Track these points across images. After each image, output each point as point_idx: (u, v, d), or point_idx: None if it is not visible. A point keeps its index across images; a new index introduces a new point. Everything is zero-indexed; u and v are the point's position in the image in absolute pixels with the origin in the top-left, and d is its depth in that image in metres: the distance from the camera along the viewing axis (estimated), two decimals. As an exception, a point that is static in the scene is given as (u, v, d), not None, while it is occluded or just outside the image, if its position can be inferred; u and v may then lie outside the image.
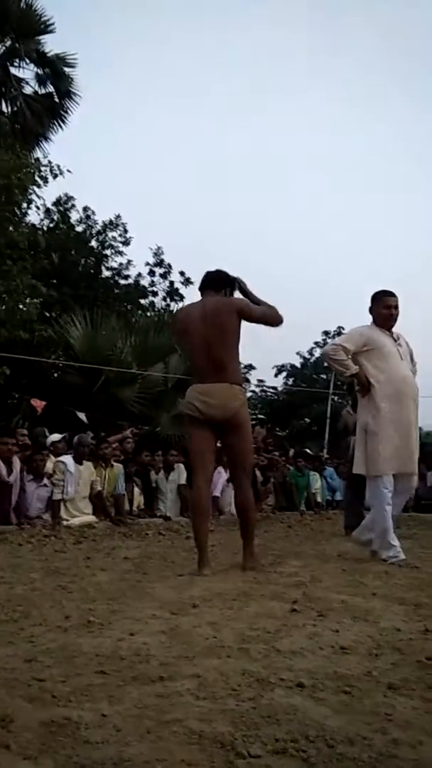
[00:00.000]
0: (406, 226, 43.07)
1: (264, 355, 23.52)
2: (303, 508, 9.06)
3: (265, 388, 21.16)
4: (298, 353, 22.27)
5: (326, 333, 21.87)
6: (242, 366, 16.90)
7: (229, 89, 45.34)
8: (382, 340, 3.92)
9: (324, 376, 19.53)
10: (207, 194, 40.26)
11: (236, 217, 38.38)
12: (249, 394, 18.35)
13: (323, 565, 3.68)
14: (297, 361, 22.29)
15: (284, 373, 22.43)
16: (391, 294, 3.99)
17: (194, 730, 1.28)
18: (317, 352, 21.79)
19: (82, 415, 8.65)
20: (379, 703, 1.45)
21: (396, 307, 3.97)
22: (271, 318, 3.55)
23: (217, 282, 3.59)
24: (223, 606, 2.47)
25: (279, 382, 22.24)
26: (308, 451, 10.68)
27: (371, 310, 4.03)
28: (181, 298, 18.58)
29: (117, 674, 1.63)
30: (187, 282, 19.07)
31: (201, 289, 3.65)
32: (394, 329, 4.02)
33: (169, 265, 18.53)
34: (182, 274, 18.85)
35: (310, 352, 22.01)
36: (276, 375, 22.29)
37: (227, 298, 3.54)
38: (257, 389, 20.42)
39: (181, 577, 3.14)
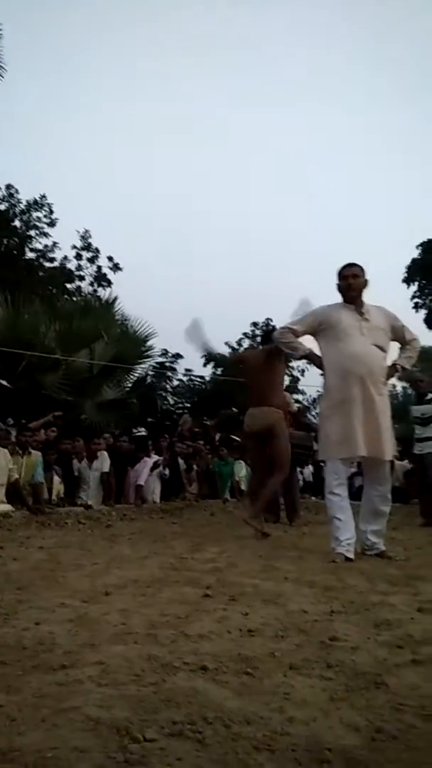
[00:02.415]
0: (340, 221, 44.09)
1: (193, 345, 23.45)
2: (227, 496, 9.17)
3: (192, 377, 21.18)
4: (226, 343, 22.44)
5: (255, 324, 22.22)
6: (170, 355, 16.65)
7: (159, 68, 44.71)
8: (339, 317, 3.67)
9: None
10: (138, 179, 39.65)
11: (168, 203, 38.05)
12: (176, 383, 18.30)
13: (241, 551, 3.73)
14: (225, 351, 22.43)
15: (212, 363, 22.53)
16: (347, 265, 3.76)
17: (92, 716, 1.26)
18: (246, 343, 22.02)
19: (3, 381, 8.41)
20: (279, 683, 1.48)
21: (354, 276, 3.70)
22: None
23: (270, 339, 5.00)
24: (137, 593, 2.46)
25: (207, 371, 22.37)
26: (235, 438, 10.79)
27: (337, 287, 3.79)
28: (109, 283, 18.21)
29: (17, 664, 1.59)
30: (116, 267, 18.65)
31: (261, 342, 5.48)
32: (369, 303, 3.75)
33: (97, 249, 18.13)
34: (110, 259, 18.47)
35: (239, 343, 22.24)
36: (204, 365, 22.39)
37: (274, 349, 4.80)
38: (185, 378, 20.43)
39: (96, 565, 3.09)
